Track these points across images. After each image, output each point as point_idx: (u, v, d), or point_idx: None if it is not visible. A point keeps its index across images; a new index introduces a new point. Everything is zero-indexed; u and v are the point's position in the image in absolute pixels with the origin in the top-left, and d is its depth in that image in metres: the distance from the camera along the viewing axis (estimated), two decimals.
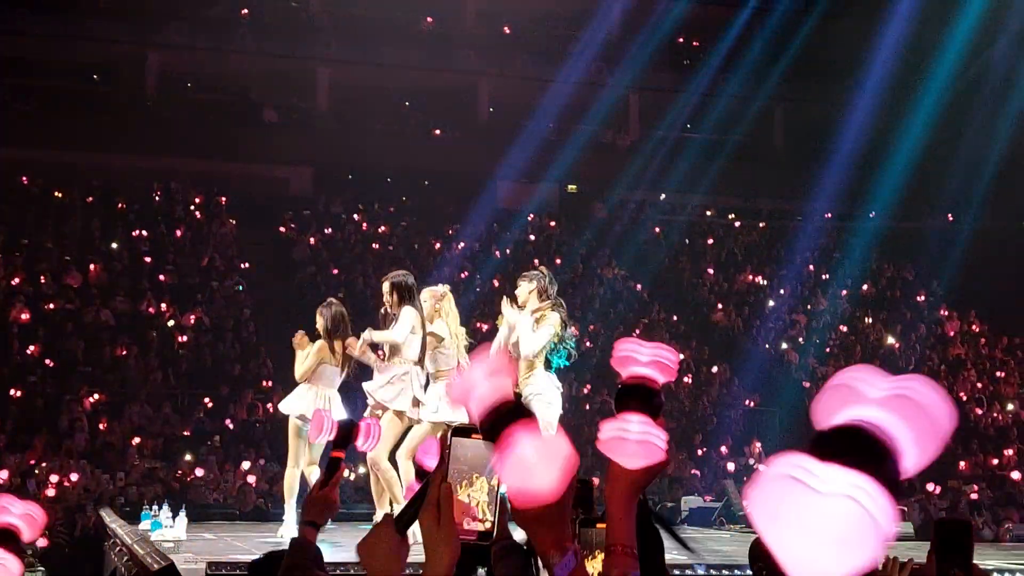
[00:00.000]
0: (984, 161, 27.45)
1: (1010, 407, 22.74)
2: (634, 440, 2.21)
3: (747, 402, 22.56)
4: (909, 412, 1.44)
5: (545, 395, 9.31)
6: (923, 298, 27.14)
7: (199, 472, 15.89)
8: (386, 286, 9.52)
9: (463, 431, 2.22)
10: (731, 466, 19.05)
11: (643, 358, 2.35)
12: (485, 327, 19.34)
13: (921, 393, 1.47)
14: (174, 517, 9.77)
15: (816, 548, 1.30)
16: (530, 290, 9.44)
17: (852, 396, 1.49)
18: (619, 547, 2.26)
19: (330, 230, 25.96)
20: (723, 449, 20.29)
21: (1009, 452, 20.96)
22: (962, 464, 20.56)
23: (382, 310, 9.80)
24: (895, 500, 1.34)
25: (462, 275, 24.21)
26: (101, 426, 17.61)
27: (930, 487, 18.77)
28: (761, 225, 29.57)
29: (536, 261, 26.03)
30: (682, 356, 23.41)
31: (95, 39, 27.33)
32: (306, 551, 3.49)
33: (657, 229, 28.87)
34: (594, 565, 2.35)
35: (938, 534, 3.00)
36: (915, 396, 1.46)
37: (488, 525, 2.19)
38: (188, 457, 16.82)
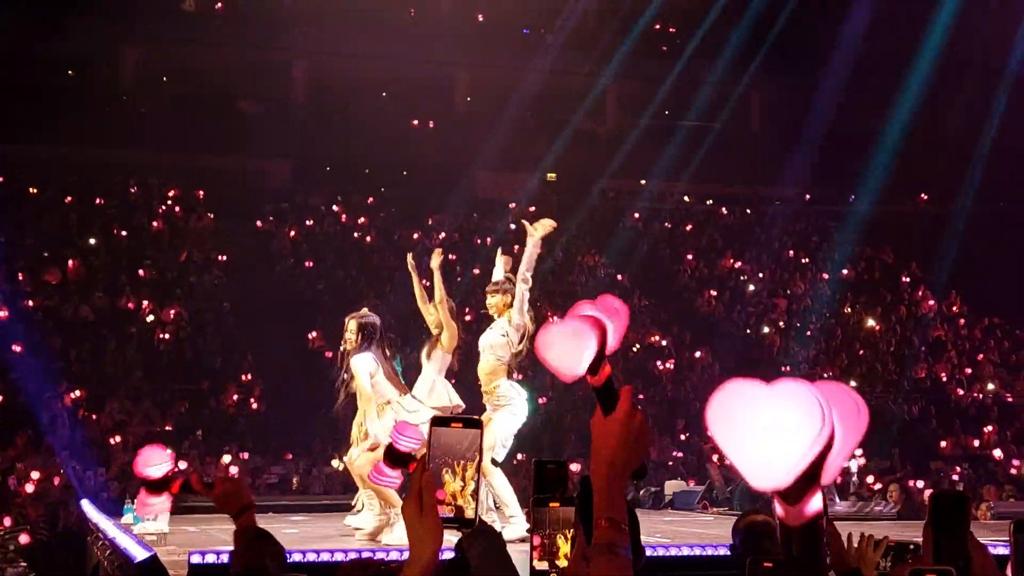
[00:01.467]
0: (963, 143, 27.54)
1: (991, 386, 22.87)
2: (558, 331, 2.14)
3: None
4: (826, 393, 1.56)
5: (513, 405, 9.42)
6: (903, 280, 27.26)
7: (181, 466, 15.85)
8: (352, 325, 9.46)
9: (442, 421, 2.25)
10: (713, 451, 19.09)
11: (591, 308, 2.29)
12: (468, 317, 19.36)
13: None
14: None
15: (760, 446, 1.46)
16: (504, 302, 9.58)
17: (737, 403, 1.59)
18: (603, 520, 2.25)
19: (310, 222, 25.91)
20: (707, 434, 20.33)
21: (988, 429, 21.09)
22: (943, 444, 20.67)
23: (341, 348, 9.78)
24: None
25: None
26: (82, 422, 17.54)
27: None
28: (742, 211, 29.62)
29: (516, 249, 26.06)
30: (664, 342, 23.51)
31: (69, 33, 27.17)
32: (252, 533, 3.51)
33: (637, 216, 28.90)
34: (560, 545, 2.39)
35: (934, 508, 3.00)
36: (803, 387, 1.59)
37: (471, 511, 2.21)
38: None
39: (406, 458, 3.58)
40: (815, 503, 1.48)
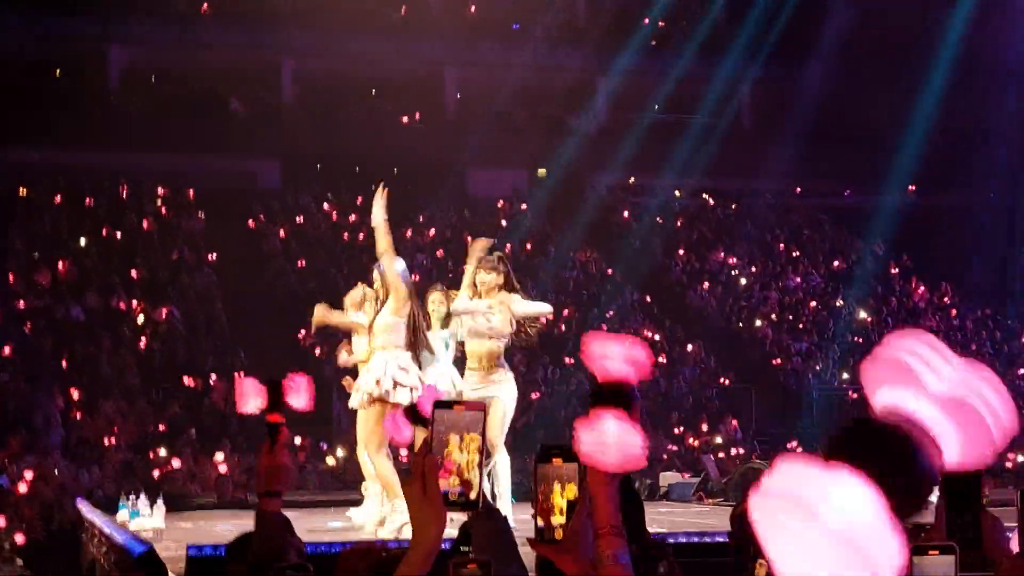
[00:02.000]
0: (950, 132, 27.57)
1: None
2: (612, 445, 2.28)
3: (722, 380, 22.65)
4: (965, 418, 1.35)
5: (509, 393, 9.45)
6: (893, 271, 27.32)
7: (175, 464, 15.84)
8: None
9: (446, 404, 2.24)
10: (708, 443, 19.14)
11: (615, 357, 2.43)
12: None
13: (985, 397, 1.38)
14: (152, 506, 9.74)
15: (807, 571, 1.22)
16: (498, 282, 9.51)
17: (910, 380, 1.40)
18: (606, 529, 2.31)
19: (300, 221, 25.88)
20: (702, 427, 20.37)
21: None
22: None
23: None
24: (901, 509, 1.26)
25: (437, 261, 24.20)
26: (76, 422, 17.52)
27: None
28: (732, 205, 29.65)
29: (508, 248, 26.09)
30: (656, 336, 23.51)
31: (56, 34, 27.12)
32: (272, 520, 3.47)
33: (627, 212, 28.92)
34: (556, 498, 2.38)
35: (947, 486, 3.00)
36: (977, 401, 1.38)
37: (475, 492, 2.20)
38: (164, 450, 16.74)
39: (425, 421, 3.57)
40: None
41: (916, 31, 27.54)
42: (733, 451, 19.00)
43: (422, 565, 2.11)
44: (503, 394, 9.36)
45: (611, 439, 2.28)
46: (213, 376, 19.54)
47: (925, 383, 1.41)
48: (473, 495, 2.21)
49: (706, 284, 26.13)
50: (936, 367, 1.44)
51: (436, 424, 2.20)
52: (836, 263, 27.50)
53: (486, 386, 9.33)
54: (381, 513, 9.07)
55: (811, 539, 1.23)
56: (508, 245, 26.24)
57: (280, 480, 3.48)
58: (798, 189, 29.93)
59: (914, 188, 29.51)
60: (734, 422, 20.73)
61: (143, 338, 20.37)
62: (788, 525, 1.24)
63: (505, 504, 9.03)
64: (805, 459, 1.27)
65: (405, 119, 30.37)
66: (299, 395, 3.59)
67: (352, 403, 9.20)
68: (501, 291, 9.42)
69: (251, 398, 3.58)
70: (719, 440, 19.52)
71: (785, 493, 1.22)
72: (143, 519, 9.35)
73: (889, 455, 1.28)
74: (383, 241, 9.01)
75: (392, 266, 8.94)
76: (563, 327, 22.29)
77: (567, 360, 21.77)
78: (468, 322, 9.45)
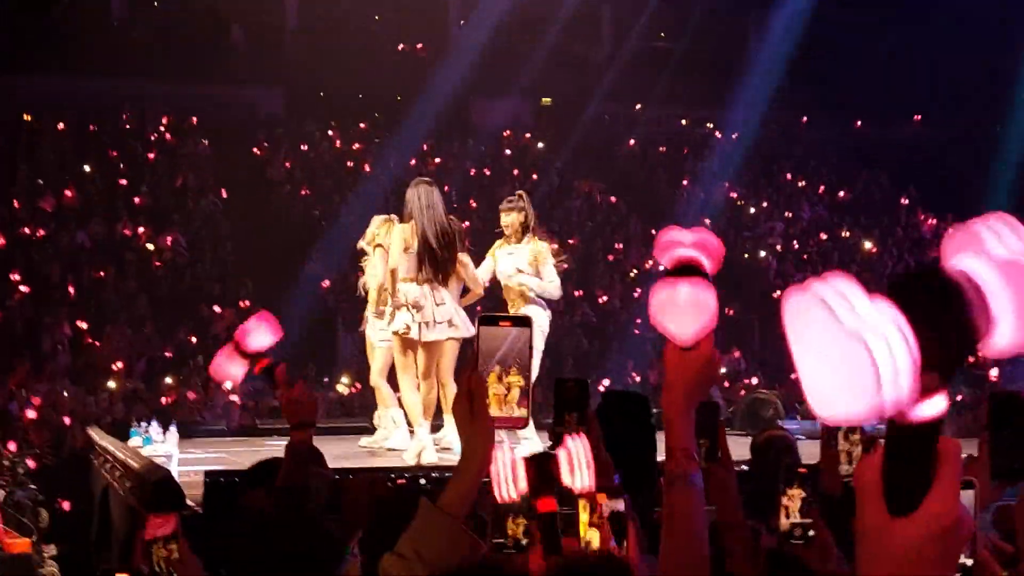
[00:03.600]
0: (955, 64, 27.36)
1: None
2: (683, 302, 2.23)
3: (726, 310, 22.66)
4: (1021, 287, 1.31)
5: (540, 323, 9.40)
6: (901, 202, 27.25)
7: (183, 391, 15.90)
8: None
9: (490, 320, 2.20)
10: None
11: (686, 243, 2.38)
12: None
13: None
14: (164, 433, 9.78)
15: (826, 379, 1.24)
16: (519, 220, 9.46)
17: (974, 244, 1.40)
18: (678, 451, 2.30)
19: (304, 149, 25.79)
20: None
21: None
22: None
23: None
24: (939, 359, 1.23)
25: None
26: (83, 348, 17.58)
27: None
28: (737, 135, 29.49)
29: (516, 172, 26.03)
30: (662, 267, 23.48)
31: None
32: (300, 451, 3.49)
33: (632, 141, 28.78)
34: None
35: (993, 407, 2.96)
36: None
37: (523, 412, 2.18)
38: (171, 378, 16.81)
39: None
40: (932, 407, 1.24)
41: None
42: (740, 381, 19.05)
43: (472, 485, 2.11)
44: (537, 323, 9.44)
45: (683, 299, 2.24)
46: (217, 308, 19.58)
47: (986, 245, 1.40)
48: (522, 413, 2.20)
49: (710, 215, 26.07)
50: (1003, 236, 1.43)
51: (481, 341, 2.17)
52: (842, 193, 27.43)
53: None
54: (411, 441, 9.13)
55: (829, 334, 1.26)
56: (515, 171, 26.20)
57: (301, 412, 3.50)
58: (804, 119, 29.76)
59: (919, 118, 29.36)
60: (737, 352, 20.78)
61: (149, 265, 20.38)
62: (813, 317, 1.28)
63: (529, 430, 9.06)
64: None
65: (408, 47, 30.13)
66: (259, 334, 3.55)
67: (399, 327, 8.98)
68: (526, 234, 9.41)
69: (228, 367, 3.56)
70: (722, 370, 19.57)
71: (821, 291, 1.24)
72: (156, 445, 9.40)
73: (933, 301, 1.27)
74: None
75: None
76: (566, 258, 22.25)
77: (574, 292, 21.79)
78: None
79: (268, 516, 3.00)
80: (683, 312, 2.24)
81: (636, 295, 22.38)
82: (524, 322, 2.23)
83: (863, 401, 1.21)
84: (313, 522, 3.01)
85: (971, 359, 1.34)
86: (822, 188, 27.67)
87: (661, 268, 2.36)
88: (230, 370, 3.57)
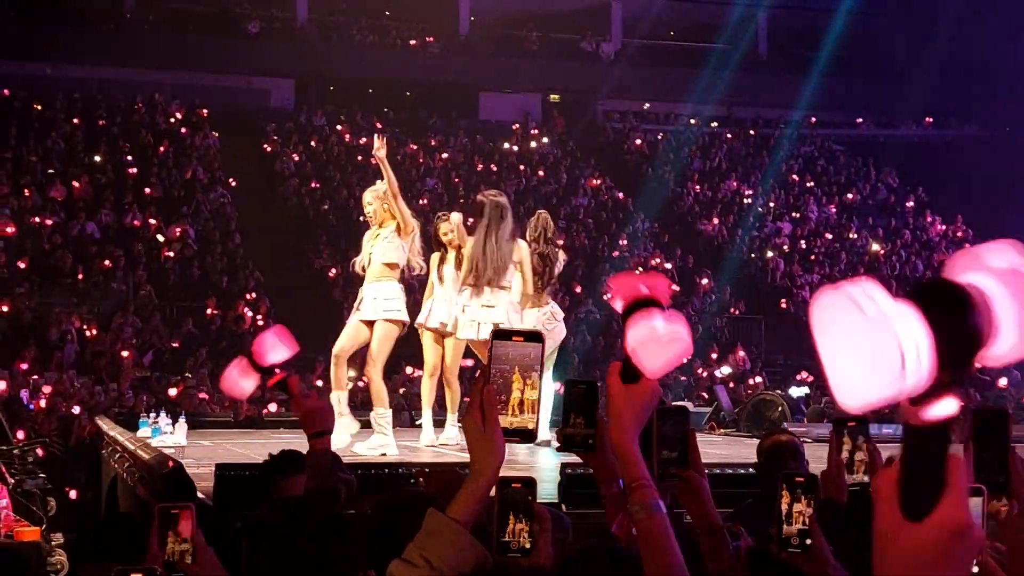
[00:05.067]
0: (968, 66, 27.37)
1: None
2: (664, 338, 2.28)
3: (732, 310, 22.70)
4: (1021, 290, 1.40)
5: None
6: (908, 204, 27.25)
7: (191, 382, 15.96)
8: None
9: (504, 334, 2.23)
10: (718, 373, 19.20)
11: (635, 287, 2.42)
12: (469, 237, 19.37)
13: None
14: (174, 424, 9.83)
15: (850, 367, 1.35)
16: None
17: (974, 262, 1.48)
18: (636, 482, 2.34)
19: (313, 143, 25.83)
20: (712, 355, 20.44)
21: None
22: None
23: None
24: (950, 358, 1.31)
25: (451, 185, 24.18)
26: (90, 338, 17.64)
27: None
28: (744, 134, 29.52)
29: (523, 168, 26.06)
30: (668, 265, 23.54)
31: None
32: (323, 458, 3.56)
33: (639, 140, 28.80)
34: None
35: (977, 423, 3.01)
36: None
37: (532, 424, 2.23)
38: (178, 368, 16.87)
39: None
40: (944, 407, 1.32)
41: None
42: (745, 381, 19.06)
43: (481, 495, 2.14)
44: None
45: (662, 331, 2.25)
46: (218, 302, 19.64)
47: (985, 259, 1.50)
48: (531, 426, 2.24)
49: (718, 214, 26.09)
50: (1001, 252, 1.52)
51: (494, 354, 2.22)
52: (850, 195, 27.43)
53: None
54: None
55: (855, 324, 1.38)
56: (522, 167, 26.23)
57: (318, 420, 3.57)
58: (813, 119, 29.78)
59: (931, 120, 29.36)
60: (742, 353, 20.80)
61: (157, 255, 20.44)
62: (841, 311, 1.40)
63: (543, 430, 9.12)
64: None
65: (418, 41, 30.18)
66: (275, 349, 3.60)
67: (467, 333, 9.07)
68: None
69: (241, 382, 3.61)
70: (727, 370, 19.59)
71: (850, 289, 1.35)
72: (165, 436, 9.45)
73: (943, 304, 1.38)
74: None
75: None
76: (571, 255, 22.31)
77: (576, 288, 21.83)
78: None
79: (307, 509, 3.07)
80: (662, 346, 2.27)
81: None
82: (536, 337, 2.25)
83: (886, 383, 1.32)
84: (347, 524, 3.08)
85: (979, 366, 1.44)
86: (830, 188, 27.66)
87: (619, 309, 2.42)
88: (243, 385, 3.61)
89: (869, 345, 1.31)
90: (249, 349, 3.62)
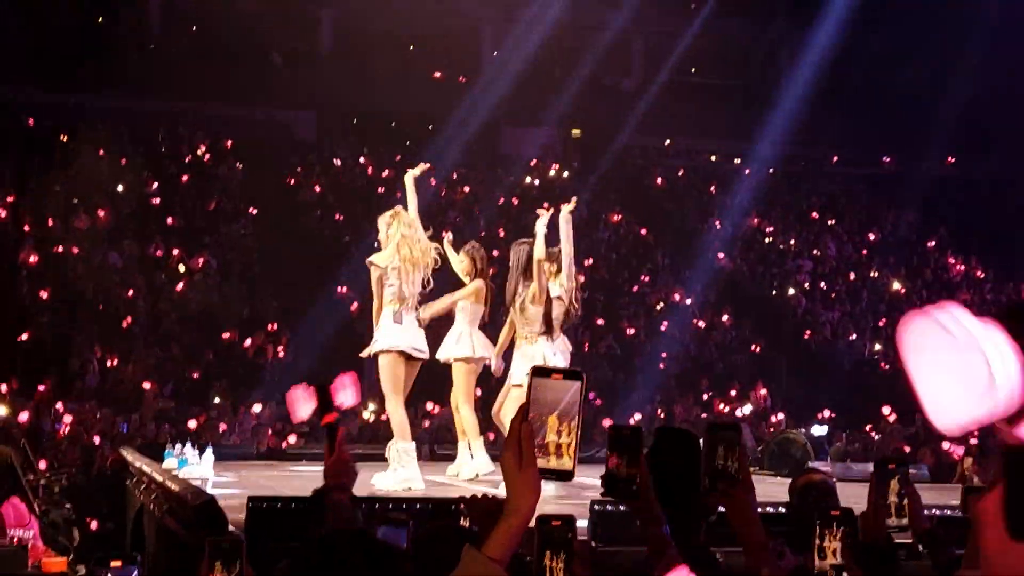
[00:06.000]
0: (991, 104, 27.32)
1: None
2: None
3: (753, 347, 22.63)
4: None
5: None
6: (929, 243, 27.21)
7: (212, 413, 15.96)
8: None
9: (543, 371, 2.22)
10: (739, 411, 19.11)
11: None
12: (491, 270, 19.37)
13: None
14: (200, 455, 9.83)
15: (943, 389, 1.39)
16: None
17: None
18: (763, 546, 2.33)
19: (336, 174, 25.93)
20: (731, 393, 20.37)
21: None
22: None
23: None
24: None
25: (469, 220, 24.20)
26: (112, 368, 17.67)
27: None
28: (766, 170, 29.51)
29: (546, 205, 26.02)
30: (688, 301, 23.51)
31: None
32: (344, 513, 3.57)
33: (660, 176, 28.82)
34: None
35: (1009, 462, 2.99)
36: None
37: (569, 463, 2.21)
38: (199, 398, 16.89)
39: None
40: None
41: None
42: (768, 419, 18.98)
43: (516, 533, 2.13)
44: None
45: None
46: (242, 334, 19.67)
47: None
48: (569, 466, 2.21)
49: (738, 250, 26.07)
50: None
51: (533, 392, 2.19)
52: (871, 235, 27.39)
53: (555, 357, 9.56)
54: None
55: (946, 347, 1.43)
56: (545, 204, 26.23)
57: (344, 475, 3.60)
58: (835, 157, 29.76)
59: (953, 159, 29.31)
60: (763, 390, 20.71)
61: (179, 286, 20.49)
62: (931, 335, 1.46)
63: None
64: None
65: (441, 74, 30.30)
66: (347, 393, 3.70)
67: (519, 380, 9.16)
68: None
69: (302, 404, 3.68)
70: (748, 408, 19.52)
71: (938, 315, 1.46)
72: (191, 467, 9.45)
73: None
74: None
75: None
76: (591, 290, 22.31)
77: (598, 321, 21.82)
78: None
79: (352, 543, 3.07)
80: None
81: (663, 328, 22.38)
82: (576, 375, 2.23)
83: (978, 402, 1.37)
84: (390, 558, 3.08)
85: None
86: (851, 226, 27.64)
87: None
88: (302, 408, 3.70)
89: (959, 367, 1.38)
90: (319, 382, 3.72)
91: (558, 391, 2.20)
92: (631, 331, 22.45)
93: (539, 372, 2.22)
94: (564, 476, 2.19)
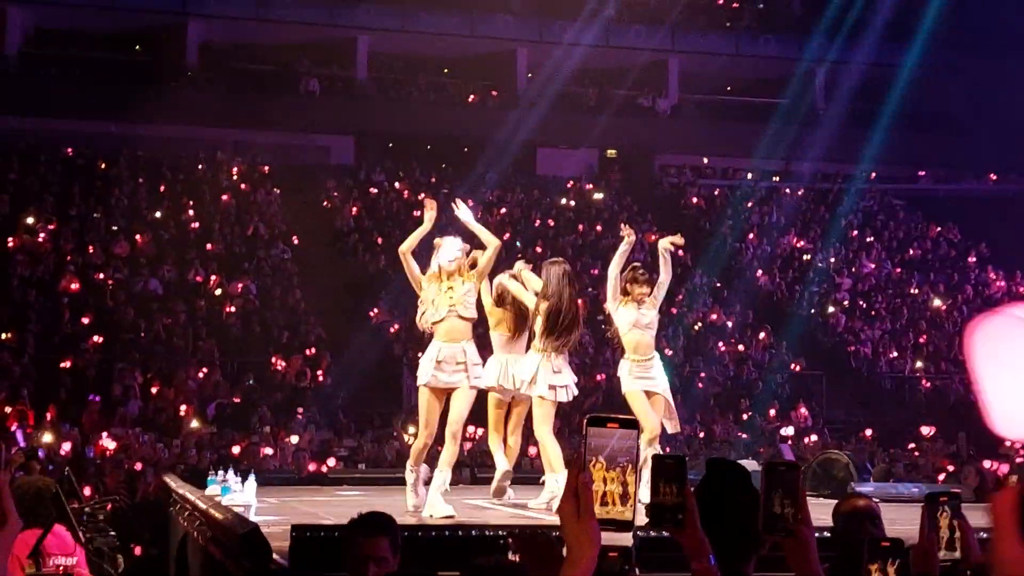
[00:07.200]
0: None
1: None
2: None
3: (793, 366, 22.49)
4: None
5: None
6: (970, 260, 27.02)
7: (253, 439, 15.99)
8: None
9: (598, 420, 2.20)
10: (783, 431, 18.96)
11: None
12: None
13: None
14: (243, 482, 9.83)
15: (1014, 393, 1.36)
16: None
17: None
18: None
19: (372, 198, 26.03)
20: (770, 413, 20.25)
21: None
22: None
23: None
24: None
25: (505, 239, 24.19)
26: (153, 394, 17.76)
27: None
28: (803, 189, 29.42)
29: (580, 228, 26.08)
30: (728, 321, 23.41)
31: (136, 8, 27.40)
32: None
33: (696, 196, 28.76)
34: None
35: None
36: None
37: (629, 514, 2.19)
38: (240, 423, 16.93)
39: None
40: None
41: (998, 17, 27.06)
42: (807, 439, 18.84)
43: None
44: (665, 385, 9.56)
45: None
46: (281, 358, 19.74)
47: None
48: (628, 516, 2.18)
49: (777, 269, 25.95)
50: None
51: (590, 443, 2.17)
52: (911, 251, 27.22)
53: (641, 377, 9.48)
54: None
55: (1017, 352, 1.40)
56: (580, 226, 26.25)
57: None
58: (873, 174, 29.63)
59: (994, 176, 29.12)
60: (804, 410, 20.58)
61: (219, 311, 20.59)
62: (1009, 337, 1.43)
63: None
64: None
65: (476, 97, 30.40)
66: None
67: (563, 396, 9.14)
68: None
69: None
70: (791, 429, 19.38)
71: (1018, 313, 1.43)
72: (235, 495, 9.45)
73: None
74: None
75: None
76: None
77: None
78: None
79: None
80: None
81: (703, 347, 22.30)
82: (632, 424, 2.22)
83: None
84: None
85: None
86: (890, 244, 27.48)
87: None
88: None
89: None
90: None
91: (612, 439, 2.18)
92: (669, 352, 22.36)
93: (595, 422, 2.20)
94: (624, 527, 2.17)
